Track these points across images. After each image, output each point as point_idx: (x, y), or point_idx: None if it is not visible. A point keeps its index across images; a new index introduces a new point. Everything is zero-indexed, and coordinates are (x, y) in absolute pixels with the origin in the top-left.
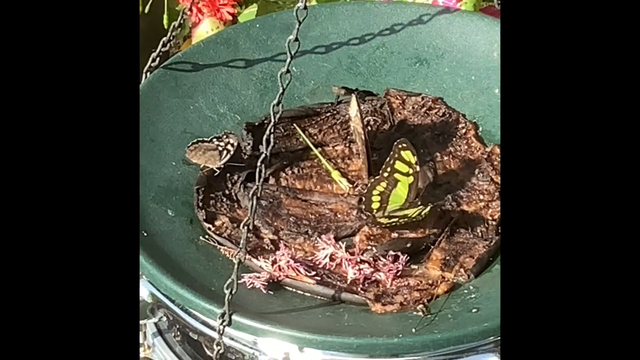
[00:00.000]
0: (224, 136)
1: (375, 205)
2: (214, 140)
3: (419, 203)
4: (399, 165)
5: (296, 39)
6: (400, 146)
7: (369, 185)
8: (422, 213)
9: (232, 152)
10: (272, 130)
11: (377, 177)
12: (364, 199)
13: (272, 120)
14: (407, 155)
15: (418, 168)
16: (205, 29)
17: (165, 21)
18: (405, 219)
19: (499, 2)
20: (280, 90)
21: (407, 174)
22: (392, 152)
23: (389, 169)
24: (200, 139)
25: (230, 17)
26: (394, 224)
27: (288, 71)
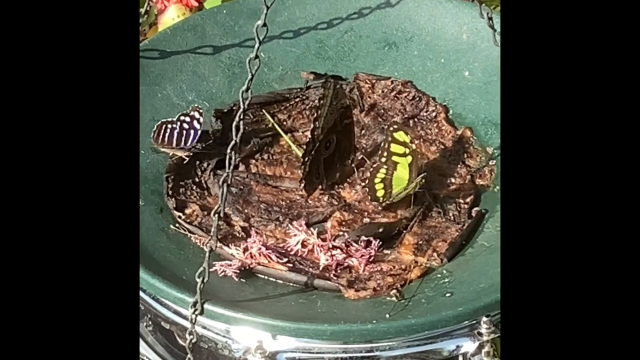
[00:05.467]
0: (191, 110)
1: (380, 194)
2: (182, 117)
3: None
4: (394, 147)
5: (264, 24)
6: (391, 128)
7: (369, 174)
8: (418, 184)
9: (199, 130)
10: (241, 117)
11: (375, 165)
12: (367, 189)
13: (242, 106)
14: (401, 135)
15: (414, 146)
16: (171, 15)
17: None
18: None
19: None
20: (249, 77)
21: (404, 155)
22: (385, 136)
23: (385, 154)
24: (165, 119)
25: (197, 4)
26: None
27: (257, 57)
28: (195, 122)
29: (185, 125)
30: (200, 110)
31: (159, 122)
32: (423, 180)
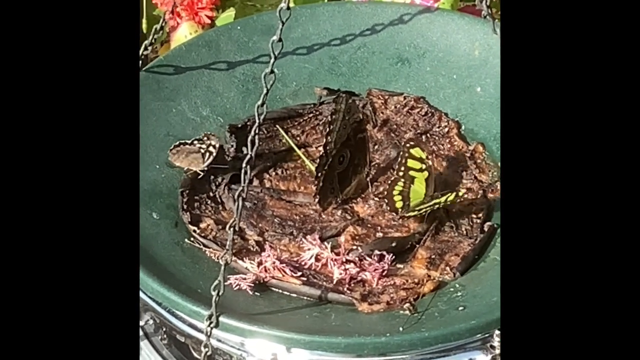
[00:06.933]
0: (205, 138)
1: (399, 205)
2: (195, 142)
3: (440, 195)
4: (411, 163)
5: (280, 40)
6: (408, 145)
7: (387, 187)
8: (455, 197)
9: (214, 154)
10: (256, 131)
11: (393, 178)
12: (386, 200)
13: (257, 121)
14: (417, 152)
15: (430, 162)
16: (184, 32)
17: (144, 26)
18: (437, 205)
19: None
20: (265, 91)
21: (420, 170)
22: (401, 152)
23: (402, 168)
24: (182, 141)
25: (209, 21)
26: (424, 211)
27: (272, 71)
28: (210, 147)
29: (202, 151)
30: (217, 138)
31: (176, 143)
32: (448, 202)
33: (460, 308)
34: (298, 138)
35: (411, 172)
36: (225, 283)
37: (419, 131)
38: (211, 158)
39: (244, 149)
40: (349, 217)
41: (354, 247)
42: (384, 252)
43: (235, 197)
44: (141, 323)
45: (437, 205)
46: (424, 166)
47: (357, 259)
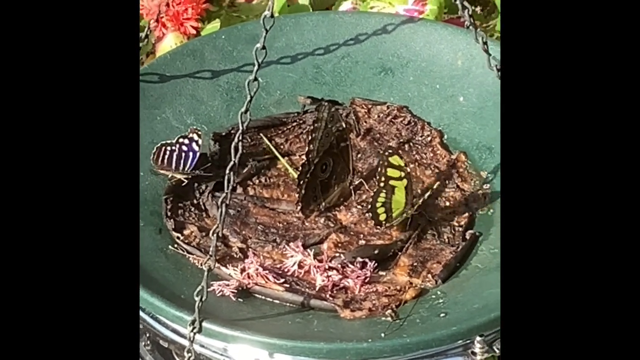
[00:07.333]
0: (190, 133)
1: (382, 217)
2: (180, 139)
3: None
4: (390, 172)
5: (263, 47)
6: (386, 153)
7: (371, 199)
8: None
9: (198, 152)
10: (240, 138)
11: (375, 190)
12: (370, 214)
13: (241, 128)
14: (395, 159)
15: (409, 169)
16: (169, 43)
17: None
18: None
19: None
20: (248, 98)
21: (400, 178)
22: (380, 162)
23: (383, 178)
24: (164, 142)
25: (194, 31)
26: (407, 216)
27: (256, 79)
28: (193, 144)
29: (184, 148)
30: (199, 133)
31: (158, 144)
32: (420, 201)
33: (442, 315)
34: (282, 146)
35: (391, 182)
36: (209, 289)
37: (401, 140)
38: (197, 156)
39: (228, 156)
40: (332, 225)
41: (337, 255)
42: (367, 260)
43: (219, 204)
44: None
45: (417, 208)
46: (403, 174)
47: (339, 266)
